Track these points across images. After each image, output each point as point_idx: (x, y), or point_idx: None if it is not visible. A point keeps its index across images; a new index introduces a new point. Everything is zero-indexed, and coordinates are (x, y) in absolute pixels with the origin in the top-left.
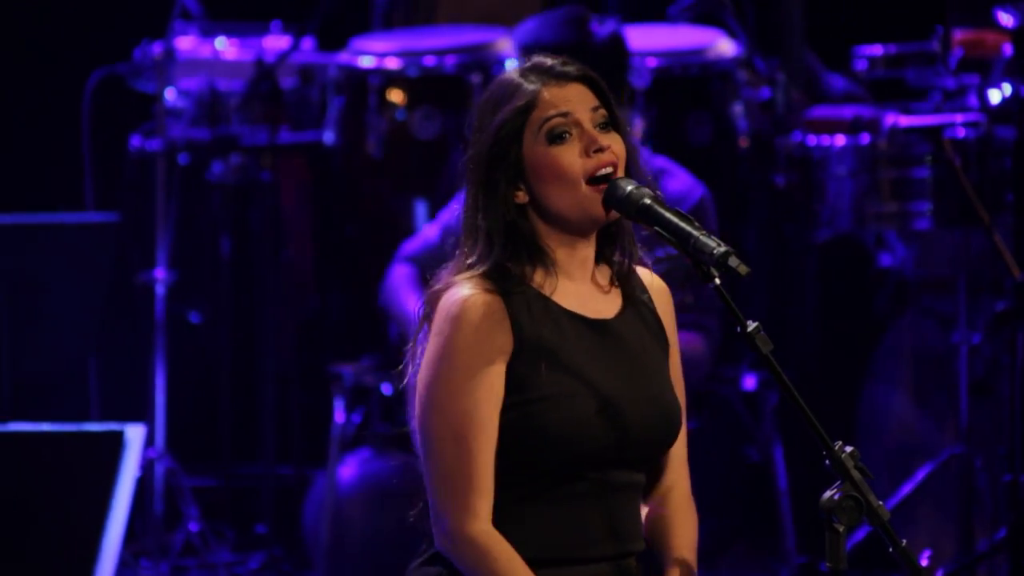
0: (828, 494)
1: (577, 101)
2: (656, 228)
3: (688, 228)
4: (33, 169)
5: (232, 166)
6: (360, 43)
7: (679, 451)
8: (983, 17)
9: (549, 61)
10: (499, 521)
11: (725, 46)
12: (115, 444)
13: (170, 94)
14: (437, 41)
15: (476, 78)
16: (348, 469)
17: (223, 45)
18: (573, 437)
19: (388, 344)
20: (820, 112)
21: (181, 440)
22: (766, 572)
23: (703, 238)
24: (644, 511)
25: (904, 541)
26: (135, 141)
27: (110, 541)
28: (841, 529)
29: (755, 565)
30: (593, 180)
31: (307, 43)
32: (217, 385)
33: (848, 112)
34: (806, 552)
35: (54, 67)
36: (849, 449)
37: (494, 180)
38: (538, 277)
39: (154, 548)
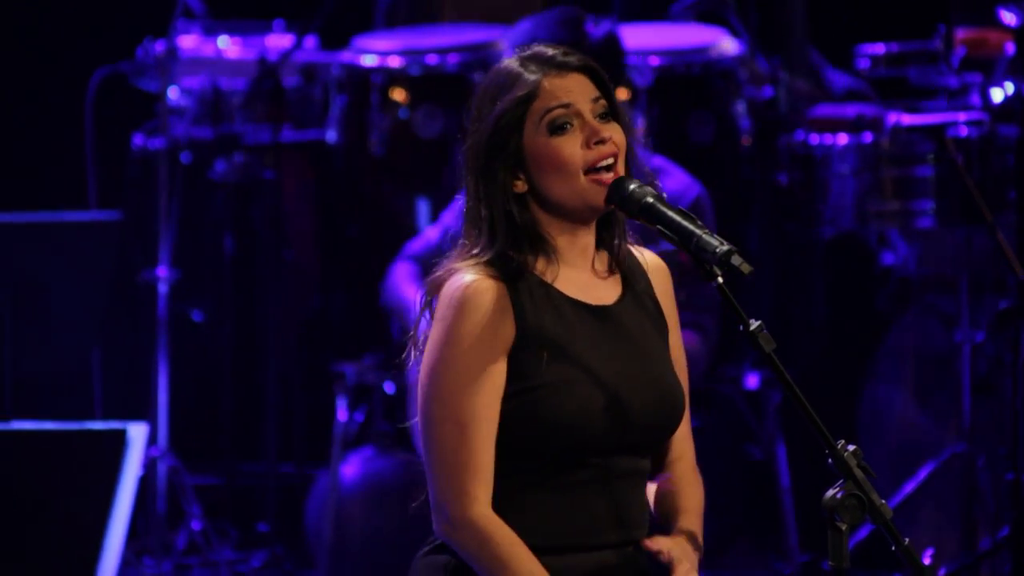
0: (831, 493)
1: (578, 92)
2: (659, 226)
3: (691, 227)
4: (36, 168)
5: (235, 165)
6: (362, 42)
7: (683, 428)
8: (986, 16)
9: (550, 51)
10: (502, 509)
11: (727, 45)
12: (118, 442)
13: (173, 93)
14: (439, 40)
15: (478, 77)
16: (350, 468)
17: (226, 44)
18: (575, 424)
19: (390, 343)
20: (823, 111)
21: (184, 438)
22: (769, 570)
23: (706, 237)
24: (651, 488)
25: (907, 540)
26: (138, 140)
27: (113, 539)
28: (844, 528)
29: (758, 563)
30: (593, 171)
31: (310, 42)
32: (219, 384)
33: (851, 111)
34: (809, 550)
35: (57, 66)
36: (852, 448)
37: (493, 169)
38: (540, 265)
39: (157, 546)
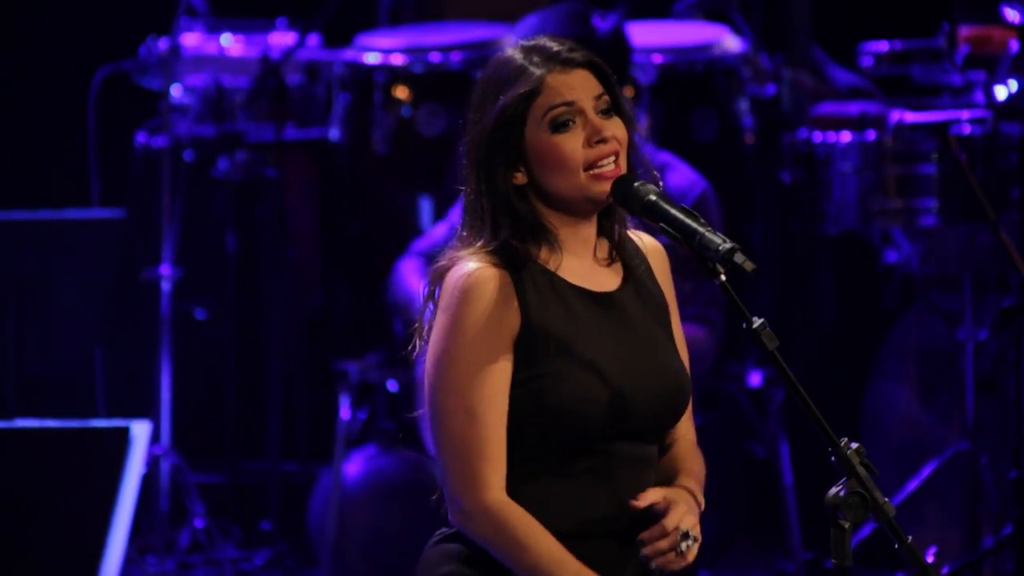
0: (834, 490)
1: (581, 89)
2: (661, 224)
3: (693, 224)
4: (38, 165)
5: (238, 163)
6: (365, 40)
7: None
8: (989, 13)
9: (555, 46)
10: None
11: (730, 42)
12: (121, 440)
13: (176, 91)
14: (442, 37)
15: (481, 75)
16: (354, 466)
17: (229, 42)
18: (580, 411)
19: (393, 340)
20: (826, 108)
21: (187, 436)
22: (771, 568)
23: (708, 234)
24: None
25: (910, 537)
26: (140, 138)
27: (116, 537)
28: (847, 525)
29: (760, 561)
30: (593, 167)
31: (313, 40)
32: (223, 382)
33: (854, 108)
34: (811, 548)
35: (59, 64)
36: (855, 445)
37: (494, 162)
38: (543, 254)
39: (160, 544)
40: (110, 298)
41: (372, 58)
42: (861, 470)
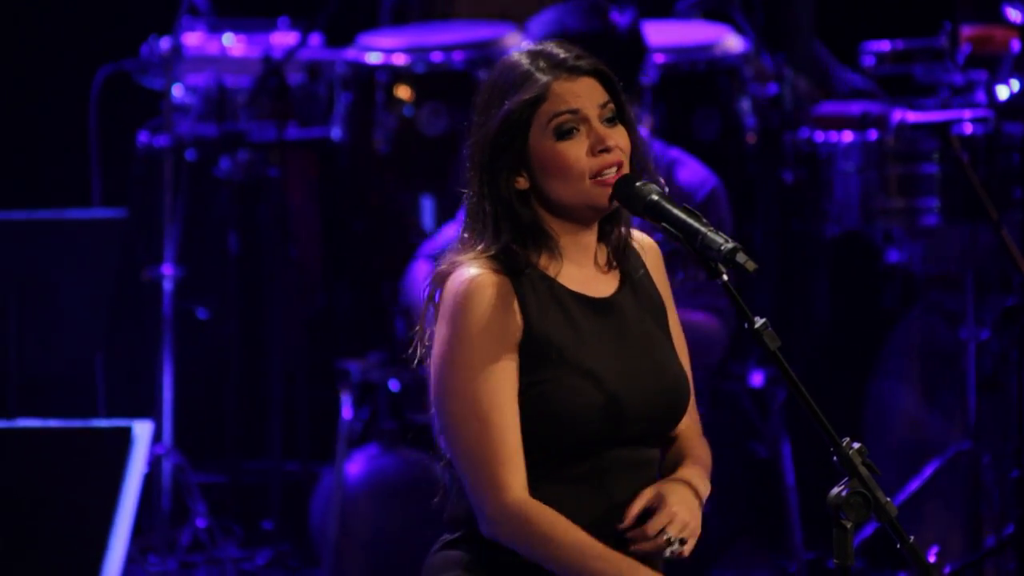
0: (836, 490)
1: (587, 97)
2: (663, 224)
3: (695, 224)
4: (40, 165)
5: (239, 162)
6: (367, 39)
7: (688, 402)
8: (991, 13)
9: (562, 53)
10: None
11: (732, 42)
12: (122, 440)
13: (177, 90)
14: (444, 37)
15: (484, 74)
16: (355, 465)
17: (230, 41)
18: (578, 417)
19: (395, 340)
20: (828, 108)
21: (188, 436)
22: (773, 568)
23: (710, 234)
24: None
25: (912, 537)
26: (142, 137)
27: (118, 537)
28: (849, 525)
29: (762, 561)
30: (597, 176)
31: (314, 39)
32: (224, 381)
33: (856, 108)
34: (814, 548)
35: (61, 63)
36: (857, 445)
37: (497, 167)
38: (543, 260)
39: (161, 544)
40: (112, 298)
41: (374, 58)
42: (863, 470)
